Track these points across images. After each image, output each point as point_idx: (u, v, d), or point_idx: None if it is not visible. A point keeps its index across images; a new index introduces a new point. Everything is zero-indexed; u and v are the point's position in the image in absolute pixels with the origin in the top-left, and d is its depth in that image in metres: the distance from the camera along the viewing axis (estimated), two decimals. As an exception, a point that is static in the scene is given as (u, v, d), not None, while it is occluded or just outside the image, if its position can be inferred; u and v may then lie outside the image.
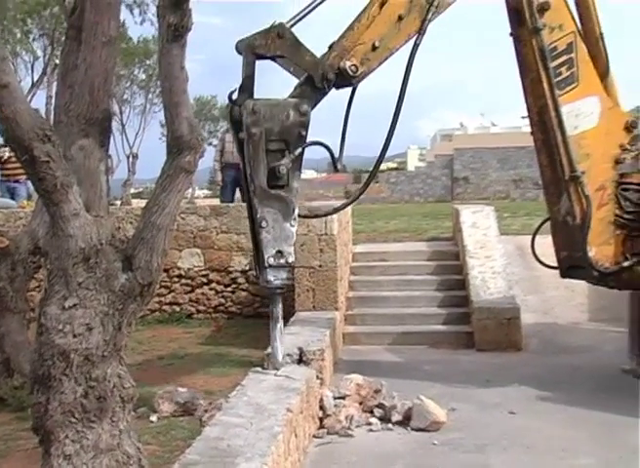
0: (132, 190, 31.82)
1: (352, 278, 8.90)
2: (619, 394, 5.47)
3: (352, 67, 4.87)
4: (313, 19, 5.05)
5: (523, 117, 6.54)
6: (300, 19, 4.90)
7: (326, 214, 6.62)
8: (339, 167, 5.04)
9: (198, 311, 8.83)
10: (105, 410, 2.95)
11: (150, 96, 31.34)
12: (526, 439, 4.66)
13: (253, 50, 4.69)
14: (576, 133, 5.56)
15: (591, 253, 5.55)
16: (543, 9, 5.44)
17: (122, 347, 3.08)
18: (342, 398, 5.19)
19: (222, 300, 8.82)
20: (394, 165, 51.00)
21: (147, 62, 28.83)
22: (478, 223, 9.22)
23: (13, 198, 10.83)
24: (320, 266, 7.53)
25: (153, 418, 4.91)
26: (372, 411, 5.10)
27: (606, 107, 5.69)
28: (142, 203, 6.58)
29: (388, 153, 5.29)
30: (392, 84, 5.13)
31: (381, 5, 4.95)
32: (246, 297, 8.76)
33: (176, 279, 8.83)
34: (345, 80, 4.90)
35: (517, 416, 5.14)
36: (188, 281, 8.85)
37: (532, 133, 5.87)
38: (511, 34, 5.70)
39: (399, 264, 9.17)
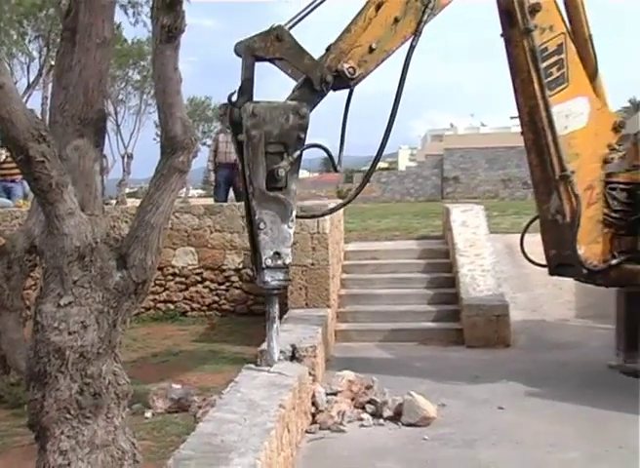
0: (127, 190, 31.62)
1: (344, 276, 8.95)
2: (605, 389, 5.55)
3: (350, 69, 4.88)
4: (311, 21, 5.05)
5: (512, 117, 6.63)
6: (299, 21, 4.90)
7: (323, 215, 6.66)
8: (338, 169, 5.08)
9: (192, 309, 8.86)
10: (101, 407, 2.98)
11: (145, 96, 31.15)
12: (514, 434, 4.73)
13: (252, 52, 4.70)
14: (566, 132, 5.62)
15: (580, 251, 5.62)
16: (535, 10, 5.49)
17: (117, 344, 3.10)
18: (334, 394, 5.23)
19: (216, 298, 8.85)
20: (385, 165, 50.92)
21: (142, 64, 28.70)
22: (468, 222, 9.30)
23: (9, 197, 10.85)
24: (312, 264, 7.58)
25: (148, 414, 4.95)
26: (363, 407, 5.15)
27: (595, 108, 5.77)
28: (137, 202, 6.60)
29: (380, 153, 5.32)
30: (386, 84, 5.17)
31: (378, 7, 4.97)
32: (239, 295, 8.80)
33: (170, 277, 8.86)
34: (343, 82, 4.92)
35: (506, 412, 5.21)
36: (182, 279, 8.88)
37: (522, 133, 5.92)
38: (502, 35, 5.74)
39: (390, 262, 9.23)
